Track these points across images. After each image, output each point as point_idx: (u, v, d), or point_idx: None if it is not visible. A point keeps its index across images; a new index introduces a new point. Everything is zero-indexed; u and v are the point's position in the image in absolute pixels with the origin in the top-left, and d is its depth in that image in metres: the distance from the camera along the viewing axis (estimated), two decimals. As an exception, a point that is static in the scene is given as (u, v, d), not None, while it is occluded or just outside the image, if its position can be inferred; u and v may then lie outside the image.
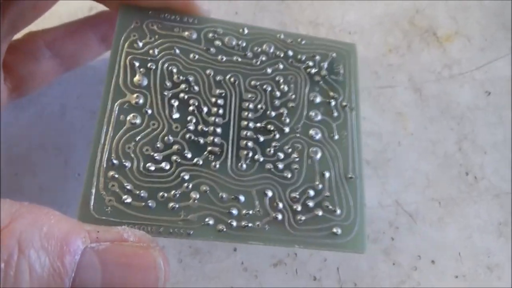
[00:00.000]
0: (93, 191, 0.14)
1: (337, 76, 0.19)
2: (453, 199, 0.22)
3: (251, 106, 0.17)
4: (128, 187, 0.15)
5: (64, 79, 0.22)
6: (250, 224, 0.15)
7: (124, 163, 0.15)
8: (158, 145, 0.15)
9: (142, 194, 0.15)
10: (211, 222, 0.15)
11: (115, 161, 0.15)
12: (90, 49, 0.21)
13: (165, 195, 0.15)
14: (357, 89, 0.19)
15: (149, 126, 0.16)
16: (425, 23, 0.27)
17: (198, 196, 0.15)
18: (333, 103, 0.18)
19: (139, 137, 0.15)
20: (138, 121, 0.15)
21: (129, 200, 0.14)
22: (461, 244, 0.22)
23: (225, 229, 0.15)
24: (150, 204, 0.15)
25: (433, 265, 0.21)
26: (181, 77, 0.17)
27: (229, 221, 0.15)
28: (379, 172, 0.23)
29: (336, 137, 0.18)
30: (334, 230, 0.16)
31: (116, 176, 0.15)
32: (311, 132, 0.17)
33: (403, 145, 0.23)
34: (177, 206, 0.15)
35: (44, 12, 0.19)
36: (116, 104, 0.15)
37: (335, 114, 0.18)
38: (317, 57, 0.19)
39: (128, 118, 0.15)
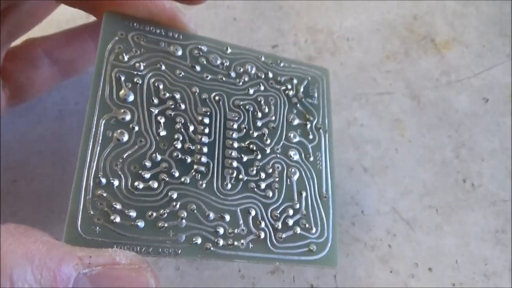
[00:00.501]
0: (80, 210, 0.14)
1: (312, 99, 0.19)
2: (451, 207, 0.22)
3: (235, 126, 0.17)
4: (117, 206, 0.14)
5: (62, 85, 0.23)
6: (235, 243, 0.16)
7: (112, 181, 0.15)
8: (146, 163, 0.15)
9: (130, 213, 0.14)
10: (198, 241, 0.15)
11: (102, 179, 0.14)
12: (88, 57, 0.21)
13: (154, 214, 0.15)
14: (330, 112, 0.20)
15: (136, 143, 0.15)
16: (423, 30, 0.27)
17: (185, 215, 0.15)
18: (308, 125, 0.19)
19: (126, 154, 0.15)
20: (125, 137, 0.15)
21: (117, 219, 0.14)
22: (458, 251, 0.22)
23: (212, 248, 0.15)
24: (138, 224, 0.14)
25: (430, 272, 0.21)
26: (167, 94, 0.17)
27: (215, 240, 0.15)
28: (377, 179, 0.23)
29: (311, 158, 0.18)
30: (311, 247, 0.17)
31: (104, 194, 0.14)
32: (290, 152, 0.18)
33: (401, 152, 0.23)
34: (165, 225, 0.15)
35: (42, 19, 0.19)
36: (102, 119, 0.15)
37: (311, 136, 0.19)
38: (295, 80, 0.19)
39: (115, 134, 0.15)
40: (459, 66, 0.26)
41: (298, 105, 0.19)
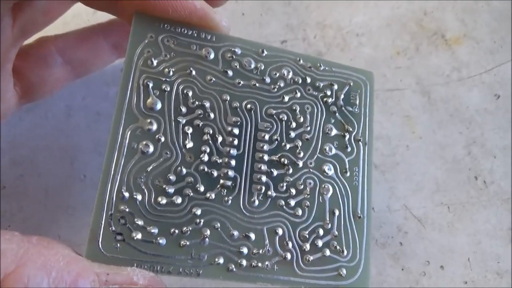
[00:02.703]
0: (102, 226, 0.14)
1: (352, 107, 0.18)
2: (462, 204, 0.22)
3: (266, 137, 0.17)
4: (139, 223, 0.14)
5: (69, 80, 0.22)
6: (259, 264, 0.15)
7: (135, 196, 0.14)
8: (171, 177, 0.15)
9: (152, 230, 0.14)
10: (221, 261, 0.15)
11: (126, 194, 0.14)
12: (101, 57, 0.21)
13: (176, 231, 0.14)
14: (372, 122, 0.18)
15: (161, 156, 0.15)
16: (433, 25, 0.26)
17: (209, 233, 0.15)
18: (347, 136, 0.18)
19: (151, 167, 0.15)
20: (150, 149, 0.15)
21: (139, 236, 0.14)
22: (470, 249, 0.21)
23: (234, 269, 0.15)
24: (160, 241, 0.14)
25: (442, 270, 0.21)
26: (196, 102, 0.16)
27: (238, 260, 0.15)
28: (388, 176, 0.22)
29: (348, 174, 0.17)
30: (340, 271, 0.16)
31: (127, 210, 0.14)
32: (324, 167, 0.17)
33: (412, 149, 0.23)
34: (187, 243, 0.14)
35: (55, 18, 0.19)
36: (128, 129, 0.15)
37: (349, 149, 0.18)
38: (335, 86, 0.18)
39: (141, 146, 0.15)
40: (470, 62, 0.26)
41: (337, 114, 0.18)
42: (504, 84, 0.25)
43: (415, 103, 0.24)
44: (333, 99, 0.18)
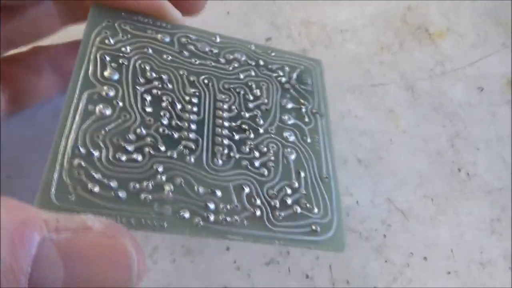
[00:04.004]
0: (56, 177, 0.13)
1: (306, 86, 0.19)
2: (446, 197, 0.22)
3: (225, 106, 0.17)
4: (96, 176, 0.14)
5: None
6: (228, 219, 0.15)
7: (92, 152, 0.14)
8: (130, 136, 0.15)
9: (111, 184, 0.14)
10: (186, 215, 0.14)
11: (82, 149, 0.14)
12: None
13: (137, 185, 0.14)
14: (326, 98, 0.19)
15: (120, 117, 0.15)
16: (417, 20, 0.27)
17: (172, 188, 0.14)
18: (303, 109, 0.19)
19: (109, 127, 0.15)
20: (108, 111, 0.15)
21: (96, 189, 0.13)
22: (454, 241, 0.22)
23: (202, 223, 0.14)
24: (120, 194, 0.14)
25: (425, 262, 0.21)
26: (154, 75, 0.16)
27: (206, 214, 0.15)
28: (371, 171, 0.23)
29: (309, 140, 0.18)
30: (314, 227, 0.16)
31: (83, 164, 0.14)
32: (285, 134, 0.18)
33: (395, 143, 0.23)
34: (150, 197, 0.14)
35: (46, 33, 0.19)
36: (84, 93, 0.15)
37: (307, 119, 0.18)
38: (287, 68, 0.19)
39: (98, 108, 0.15)
40: (454, 56, 0.26)
41: (292, 90, 0.19)
42: (488, 77, 0.25)
43: (399, 98, 0.25)
44: (287, 79, 0.19)
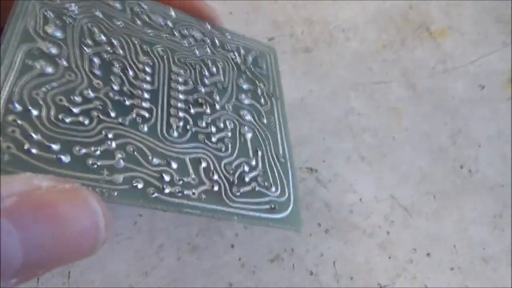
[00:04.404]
0: None
1: (261, 69, 0.19)
2: (448, 193, 0.23)
3: (180, 79, 0.16)
4: (35, 137, 0.12)
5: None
6: (185, 192, 0.14)
7: (30, 109, 0.12)
8: (76, 98, 0.13)
9: (53, 146, 0.12)
10: (140, 185, 0.13)
11: (17, 105, 0.12)
12: None
13: (83, 150, 0.13)
14: (280, 84, 0.19)
15: (64, 77, 0.13)
16: (418, 19, 0.27)
17: (124, 155, 0.13)
18: (259, 91, 0.18)
19: (51, 85, 0.13)
20: (49, 69, 0.13)
21: (34, 150, 0.12)
22: (456, 236, 0.22)
23: (156, 194, 0.13)
24: (63, 158, 0.12)
25: (428, 257, 0.21)
26: (103, 38, 0.15)
27: (161, 185, 0.13)
28: (374, 167, 0.23)
29: (265, 121, 0.18)
30: (272, 205, 0.16)
31: (19, 122, 0.12)
32: (242, 112, 0.17)
33: (398, 140, 0.24)
34: (98, 163, 0.13)
35: None
36: (22, 46, 0.13)
37: (262, 101, 0.18)
38: (242, 51, 0.19)
39: (39, 64, 0.13)
40: (455, 54, 0.26)
41: (247, 72, 0.19)
42: (488, 75, 0.26)
43: (401, 95, 0.25)
44: (242, 60, 0.19)
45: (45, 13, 0.14)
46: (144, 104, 0.15)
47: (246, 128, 0.17)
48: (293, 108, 0.24)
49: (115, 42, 0.15)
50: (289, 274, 0.21)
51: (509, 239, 0.22)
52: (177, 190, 0.14)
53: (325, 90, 0.25)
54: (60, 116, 0.13)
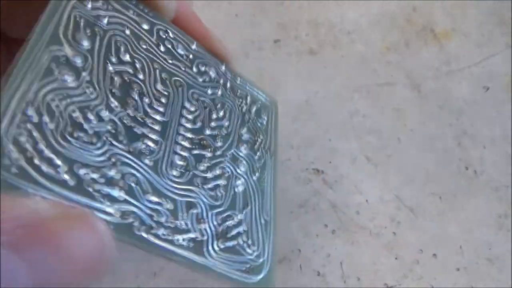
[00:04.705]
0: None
1: (262, 121, 0.19)
2: (453, 194, 0.23)
3: (190, 116, 0.17)
4: (45, 151, 0.11)
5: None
6: (175, 236, 0.14)
7: (44, 119, 0.12)
8: (90, 116, 0.13)
9: (56, 161, 0.12)
10: (135, 223, 0.13)
11: (32, 113, 0.11)
12: None
13: (89, 174, 0.12)
14: (277, 139, 0.19)
15: (84, 91, 0.13)
16: (422, 20, 0.27)
17: (126, 187, 0.13)
18: (257, 144, 0.18)
19: (69, 96, 0.13)
20: (71, 80, 0.13)
21: (44, 167, 0.11)
22: (462, 237, 0.22)
23: (145, 235, 0.13)
24: (67, 178, 0.12)
25: (434, 258, 0.21)
26: (128, 58, 0.15)
27: (152, 225, 0.13)
28: (380, 168, 0.23)
29: (258, 175, 0.18)
30: (248, 266, 0.16)
31: (32, 132, 0.11)
32: (238, 163, 0.17)
33: (403, 141, 0.24)
34: (102, 191, 0.12)
35: None
36: (50, 47, 0.13)
37: (258, 154, 0.18)
38: (249, 98, 0.19)
39: (61, 72, 0.13)
40: (459, 55, 0.26)
41: (250, 122, 0.19)
42: (493, 76, 0.26)
43: (406, 97, 0.25)
44: (247, 109, 0.19)
45: (77, 18, 0.14)
46: (153, 136, 0.15)
47: (239, 180, 0.17)
48: (298, 109, 0.24)
49: (137, 64, 0.15)
50: (296, 274, 0.21)
51: (515, 240, 0.22)
52: (165, 233, 0.14)
53: (330, 92, 0.25)
54: (74, 133, 0.12)
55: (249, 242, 0.16)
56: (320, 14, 0.27)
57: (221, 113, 0.18)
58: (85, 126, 0.13)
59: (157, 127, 0.15)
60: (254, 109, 0.19)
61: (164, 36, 0.17)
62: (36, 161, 0.11)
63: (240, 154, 0.18)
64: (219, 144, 0.17)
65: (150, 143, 0.15)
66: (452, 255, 0.22)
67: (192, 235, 0.14)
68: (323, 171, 0.23)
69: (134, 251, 0.20)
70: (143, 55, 0.16)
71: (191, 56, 0.17)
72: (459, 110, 0.25)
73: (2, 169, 0.10)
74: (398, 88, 0.25)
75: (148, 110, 0.15)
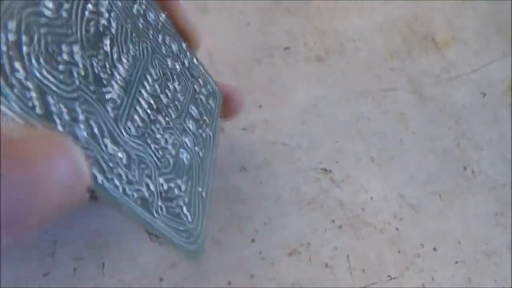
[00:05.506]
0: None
1: (210, 106, 0.20)
2: (453, 192, 0.24)
3: (150, 81, 0.17)
4: (19, 73, 0.12)
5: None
6: (125, 188, 0.14)
7: (23, 42, 0.12)
8: (64, 49, 0.13)
9: (31, 91, 0.12)
10: (94, 167, 0.13)
11: (13, 29, 0.12)
12: None
13: (56, 106, 0.12)
14: (218, 126, 0.21)
15: (63, 26, 0.13)
16: (423, 29, 0.29)
17: (87, 129, 0.13)
18: (204, 125, 0.20)
19: (49, 26, 0.13)
20: (50, 12, 0.13)
21: (16, 90, 0.11)
22: (461, 233, 0.23)
23: (102, 180, 0.13)
24: (36, 105, 0.12)
25: (435, 252, 0.23)
26: (103, 8, 0.15)
27: (107, 171, 0.14)
28: (384, 168, 0.25)
29: (202, 153, 0.19)
30: (185, 233, 0.17)
31: (10, 52, 0.11)
32: (185, 137, 0.18)
33: (405, 143, 0.25)
34: (66, 128, 0.12)
35: None
36: None
37: (203, 134, 0.19)
38: (201, 81, 0.20)
39: (46, 3, 0.13)
40: (458, 62, 0.28)
41: (199, 102, 0.20)
42: (490, 83, 0.27)
43: (408, 101, 0.27)
44: (199, 89, 0.20)
45: None
46: (117, 89, 0.15)
47: (185, 153, 0.18)
48: (307, 113, 0.26)
49: (112, 15, 0.16)
50: (306, 266, 0.22)
51: (510, 235, 0.23)
52: (118, 182, 0.14)
53: (336, 97, 0.26)
54: (48, 62, 0.12)
55: (189, 211, 0.17)
56: (327, 23, 0.28)
57: (177, 86, 0.18)
58: (59, 59, 0.13)
59: (121, 83, 0.15)
60: (205, 92, 0.20)
61: (138, 0, 0.17)
62: (11, 80, 0.11)
63: (189, 128, 0.19)
64: (172, 114, 0.18)
65: (114, 95, 0.15)
66: (451, 250, 0.23)
67: (140, 188, 0.15)
68: (331, 170, 0.24)
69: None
70: (118, 10, 0.16)
71: (159, 25, 0.18)
72: (458, 114, 0.26)
73: None
74: (401, 93, 0.27)
75: (116, 63, 0.15)
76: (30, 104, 0.11)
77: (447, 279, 0.22)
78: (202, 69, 0.20)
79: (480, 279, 0.23)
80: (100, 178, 0.13)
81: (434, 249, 0.23)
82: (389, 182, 0.24)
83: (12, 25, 0.12)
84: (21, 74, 0.11)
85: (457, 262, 0.23)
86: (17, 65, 0.11)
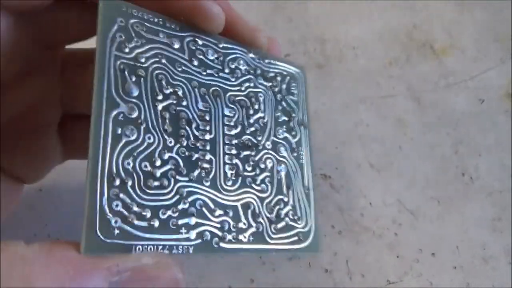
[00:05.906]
0: (98, 213, 0.13)
1: (292, 96, 0.20)
2: (451, 198, 0.25)
3: (232, 122, 0.18)
4: (133, 207, 0.14)
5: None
6: (239, 237, 0.16)
7: (126, 181, 0.14)
8: (156, 162, 0.15)
9: (145, 214, 0.14)
10: (208, 237, 0.15)
11: (117, 180, 0.14)
12: None
13: (167, 212, 0.15)
14: (308, 108, 0.20)
15: (145, 141, 0.15)
16: (422, 37, 0.29)
17: (195, 212, 0.15)
18: (292, 122, 0.20)
19: (136, 152, 0.14)
20: (134, 135, 0.15)
21: (134, 220, 0.14)
22: (459, 238, 0.24)
23: (220, 244, 0.16)
24: (154, 224, 0.14)
25: (433, 257, 0.23)
26: (169, 89, 0.16)
27: (222, 235, 0.16)
28: (382, 174, 0.25)
29: (295, 153, 0.19)
30: (299, 237, 0.18)
31: (120, 195, 0.14)
32: (278, 148, 0.19)
33: (404, 149, 0.26)
34: (178, 223, 0.15)
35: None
36: (110, 114, 0.14)
37: (293, 132, 0.20)
38: (278, 78, 0.20)
39: (125, 131, 0.14)
40: (456, 70, 0.28)
41: (282, 102, 0.20)
42: (488, 90, 0.28)
43: (407, 108, 0.27)
44: (279, 89, 0.20)
45: (122, 68, 0.15)
46: (207, 157, 0.16)
47: (281, 165, 0.19)
48: (307, 119, 0.26)
49: (179, 92, 0.16)
50: (305, 271, 0.23)
51: (508, 240, 0.24)
52: (233, 237, 0.16)
53: (336, 103, 0.27)
54: (148, 183, 0.14)
55: (296, 216, 0.18)
56: (326, 31, 0.29)
57: (256, 106, 0.19)
58: (155, 172, 0.15)
59: (207, 147, 0.17)
60: (284, 87, 0.20)
61: (194, 48, 0.17)
62: (129, 218, 0.14)
63: (279, 137, 0.19)
64: (259, 138, 0.18)
65: (205, 165, 0.16)
66: (449, 255, 0.23)
67: (253, 229, 0.17)
68: (330, 176, 0.25)
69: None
70: (181, 78, 0.17)
71: (221, 57, 0.18)
72: (456, 120, 0.27)
73: (106, 236, 0.13)
74: (400, 99, 0.27)
75: (197, 133, 0.16)
76: (147, 225, 0.14)
77: (446, 283, 0.23)
78: (276, 64, 0.20)
79: (478, 284, 0.23)
80: (217, 244, 0.15)
81: (433, 254, 0.23)
82: (388, 187, 0.25)
83: (116, 178, 0.14)
84: (134, 209, 0.14)
85: (455, 267, 0.23)
86: (130, 203, 0.14)
